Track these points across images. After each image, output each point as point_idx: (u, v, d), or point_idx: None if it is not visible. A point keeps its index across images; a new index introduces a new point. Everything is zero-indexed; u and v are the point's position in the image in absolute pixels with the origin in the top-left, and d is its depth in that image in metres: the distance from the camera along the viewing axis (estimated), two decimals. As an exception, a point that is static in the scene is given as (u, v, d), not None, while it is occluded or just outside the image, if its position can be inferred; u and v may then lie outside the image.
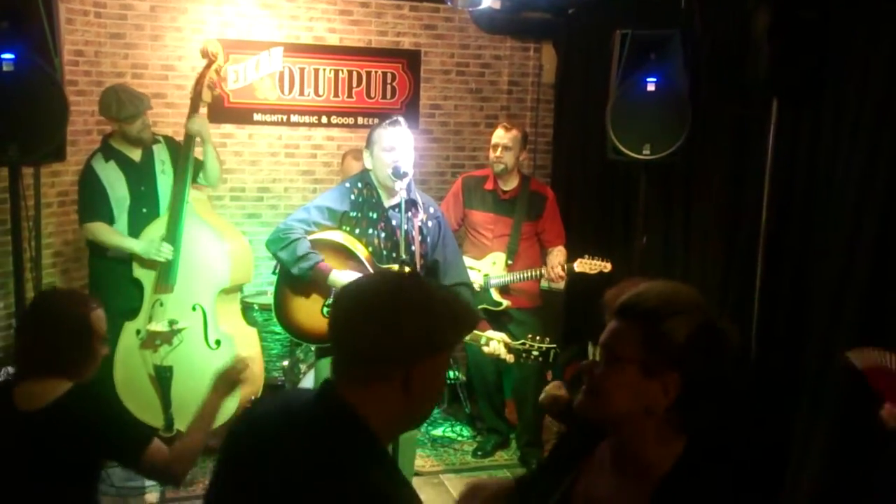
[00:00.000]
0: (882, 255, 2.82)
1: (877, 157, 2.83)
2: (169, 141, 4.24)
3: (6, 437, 2.14)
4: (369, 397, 1.37)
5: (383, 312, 1.37)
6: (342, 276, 3.12)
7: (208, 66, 4.03)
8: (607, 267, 4.04)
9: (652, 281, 1.45)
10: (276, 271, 3.46)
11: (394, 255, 3.23)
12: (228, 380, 2.50)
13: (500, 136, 4.29)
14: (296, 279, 3.22)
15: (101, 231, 4.00)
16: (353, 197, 3.26)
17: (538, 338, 3.14)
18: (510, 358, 3.15)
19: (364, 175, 3.31)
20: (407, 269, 3.05)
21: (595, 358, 1.44)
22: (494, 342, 3.15)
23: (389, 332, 1.35)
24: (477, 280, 4.24)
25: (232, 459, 1.48)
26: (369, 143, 3.26)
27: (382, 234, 3.26)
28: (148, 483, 3.94)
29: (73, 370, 2.20)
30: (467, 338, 3.15)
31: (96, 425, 2.17)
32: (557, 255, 4.26)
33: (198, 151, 4.10)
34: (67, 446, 2.13)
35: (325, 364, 3.29)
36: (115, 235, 4.00)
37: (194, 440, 2.34)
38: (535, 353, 3.10)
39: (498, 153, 4.27)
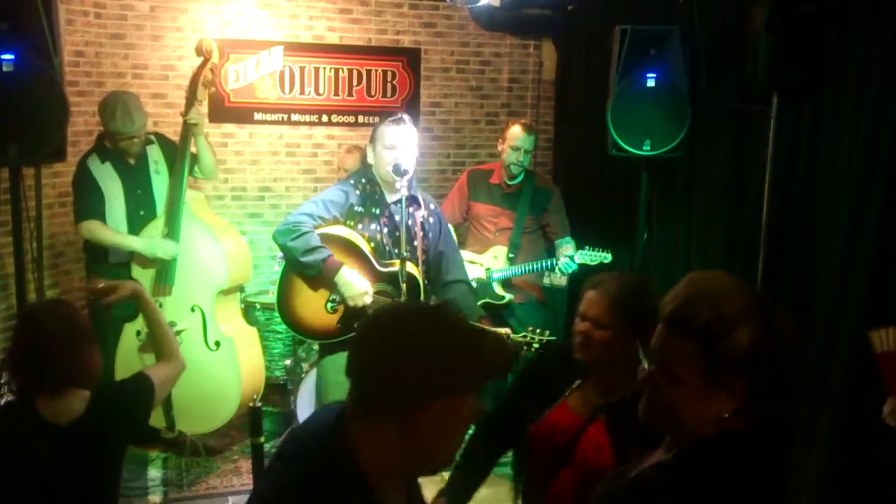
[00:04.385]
0: (883, 246, 2.81)
1: (877, 149, 2.82)
2: (162, 140, 4.23)
3: (47, 452, 2.07)
4: (369, 435, 1.32)
5: (392, 347, 1.30)
6: (351, 275, 3.13)
7: (203, 64, 4.05)
8: (608, 257, 4.07)
9: (695, 276, 1.38)
10: (281, 265, 3.43)
11: (396, 250, 3.24)
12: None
13: (523, 139, 4.24)
14: (301, 273, 3.22)
15: (98, 229, 3.98)
16: (357, 192, 3.27)
17: (538, 330, 3.14)
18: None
19: (366, 171, 3.31)
20: (409, 264, 3.06)
21: (646, 364, 1.38)
22: None
23: (392, 369, 1.28)
24: (479, 274, 4.25)
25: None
26: (373, 139, 3.27)
27: (385, 230, 3.26)
28: (151, 483, 3.96)
29: (92, 377, 2.19)
30: None
31: (125, 418, 2.23)
32: (567, 247, 4.29)
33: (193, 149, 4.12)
34: (108, 449, 2.17)
35: (330, 363, 3.29)
36: (114, 233, 3.99)
37: (163, 332, 2.49)
38: (536, 344, 3.10)
39: (520, 157, 4.24)
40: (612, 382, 2.07)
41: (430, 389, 1.28)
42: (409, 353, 1.28)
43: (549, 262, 4.20)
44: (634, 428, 1.74)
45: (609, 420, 2.03)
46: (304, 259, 3.14)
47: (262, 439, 2.59)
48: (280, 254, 3.78)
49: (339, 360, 3.27)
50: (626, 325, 2.03)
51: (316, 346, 3.94)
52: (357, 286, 3.13)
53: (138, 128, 4.00)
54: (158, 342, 2.50)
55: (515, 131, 4.26)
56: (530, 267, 4.23)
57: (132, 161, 4.09)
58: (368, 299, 3.14)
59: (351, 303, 3.14)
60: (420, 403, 1.28)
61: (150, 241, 3.89)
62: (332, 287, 3.16)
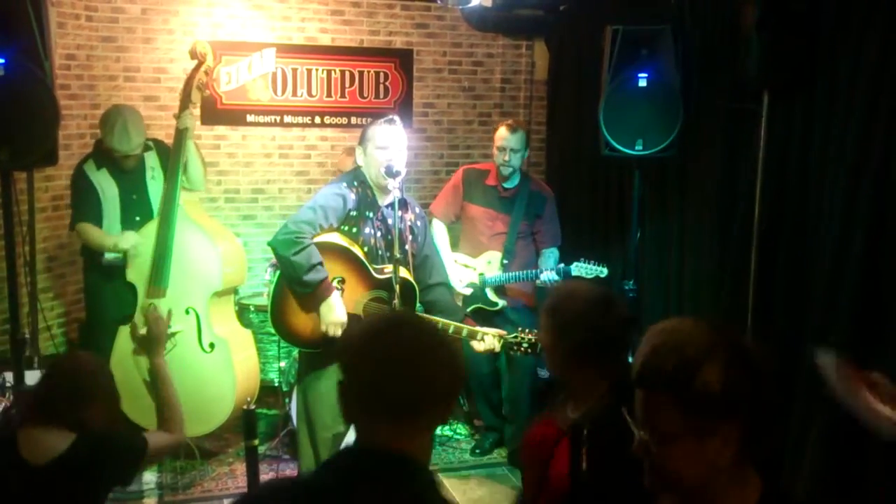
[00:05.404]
0: (875, 245, 2.82)
1: (868, 147, 2.83)
2: (159, 145, 4.23)
3: (17, 491, 2.11)
4: (420, 441, 1.38)
5: (419, 353, 1.37)
6: (337, 302, 3.12)
7: (197, 67, 4.04)
8: (604, 271, 4.00)
9: (653, 329, 1.36)
10: (275, 273, 3.38)
11: (388, 254, 3.23)
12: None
13: (507, 138, 4.17)
14: (294, 290, 3.18)
15: (90, 232, 4.02)
16: (353, 195, 3.24)
17: (527, 330, 3.13)
18: (498, 346, 3.14)
19: (357, 173, 3.29)
20: (401, 267, 3.06)
21: (637, 433, 1.35)
22: (489, 337, 3.14)
23: (437, 372, 1.37)
24: (472, 279, 4.23)
25: None
26: (363, 140, 3.26)
27: (378, 233, 3.26)
28: (146, 487, 3.95)
29: (85, 425, 2.23)
30: (464, 333, 3.16)
31: (104, 471, 2.23)
32: (550, 258, 4.25)
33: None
34: (82, 495, 2.19)
35: (318, 375, 3.29)
36: (102, 236, 4.02)
37: (171, 403, 2.63)
38: (525, 344, 3.09)
39: (506, 157, 4.17)
40: (578, 396, 2.03)
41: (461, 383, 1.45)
42: (439, 356, 1.39)
43: (539, 273, 4.16)
44: (594, 447, 1.72)
45: (571, 438, 1.95)
46: (306, 277, 3.09)
47: (257, 442, 2.59)
48: (273, 261, 3.74)
49: (330, 371, 3.27)
50: (556, 328, 2.02)
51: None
52: (337, 315, 3.12)
53: (134, 147, 4.00)
54: (165, 411, 2.59)
55: (501, 132, 4.21)
56: (524, 275, 4.17)
57: (128, 168, 4.09)
58: (339, 331, 3.12)
59: (324, 327, 3.12)
60: (452, 400, 1.44)
61: (121, 236, 3.90)
62: (318, 306, 3.14)
